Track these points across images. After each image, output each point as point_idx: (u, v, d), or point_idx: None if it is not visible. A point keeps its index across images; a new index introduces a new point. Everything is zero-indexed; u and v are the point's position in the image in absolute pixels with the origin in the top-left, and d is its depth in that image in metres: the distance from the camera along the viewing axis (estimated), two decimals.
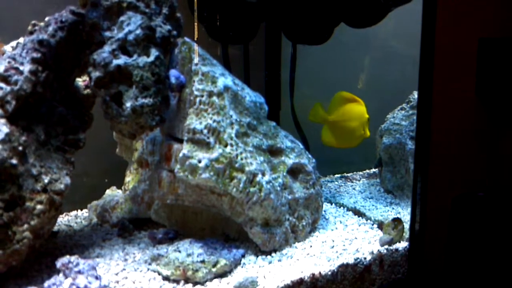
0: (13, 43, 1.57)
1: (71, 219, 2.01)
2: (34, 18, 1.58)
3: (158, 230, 1.76)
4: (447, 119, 1.72)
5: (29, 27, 1.54)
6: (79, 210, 2.11)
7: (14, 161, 1.31)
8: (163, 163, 1.68)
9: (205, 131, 1.58)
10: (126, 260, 1.60)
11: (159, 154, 1.75)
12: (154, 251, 1.59)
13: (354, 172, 2.89)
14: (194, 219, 1.78)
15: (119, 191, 2.05)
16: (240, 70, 2.24)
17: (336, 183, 2.69)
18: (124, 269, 1.53)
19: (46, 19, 1.54)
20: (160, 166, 1.69)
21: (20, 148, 1.34)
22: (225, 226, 1.77)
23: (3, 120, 1.31)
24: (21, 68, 1.35)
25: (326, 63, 2.70)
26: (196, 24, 1.88)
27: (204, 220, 1.77)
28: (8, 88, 1.33)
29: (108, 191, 2.06)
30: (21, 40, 1.55)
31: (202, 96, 1.61)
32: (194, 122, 1.59)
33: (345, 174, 2.86)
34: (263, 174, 1.66)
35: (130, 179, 1.92)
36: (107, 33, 1.57)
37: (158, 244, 1.70)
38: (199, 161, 1.56)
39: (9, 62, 1.35)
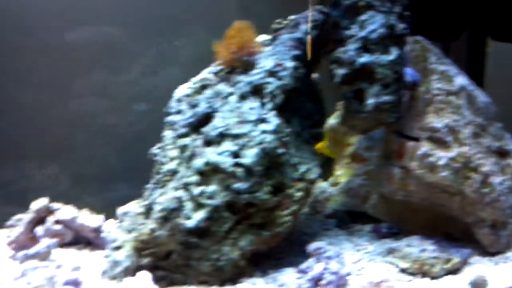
0: (262, 37, 1.69)
1: None
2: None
3: (380, 224, 1.81)
4: None
5: (275, 25, 1.66)
6: None
7: (281, 150, 1.43)
8: (393, 160, 1.72)
9: (444, 130, 1.60)
10: (358, 250, 1.67)
11: (379, 150, 1.80)
12: (386, 244, 1.65)
13: None
14: (413, 216, 1.80)
15: (325, 183, 2.13)
16: None
17: None
18: (360, 259, 1.60)
19: (292, 17, 1.66)
20: (388, 162, 1.74)
21: (286, 138, 1.45)
22: (447, 225, 1.77)
23: (273, 112, 1.43)
24: (285, 64, 1.46)
25: None
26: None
27: (424, 218, 1.79)
28: (277, 82, 1.45)
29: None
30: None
31: (440, 95, 1.63)
32: (433, 120, 1.61)
33: None
34: (495, 176, 1.64)
35: (341, 172, 1.99)
36: (347, 32, 1.65)
37: (382, 238, 1.75)
38: (439, 160, 1.57)
39: (276, 59, 1.47)
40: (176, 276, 1.43)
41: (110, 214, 1.91)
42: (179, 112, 1.61)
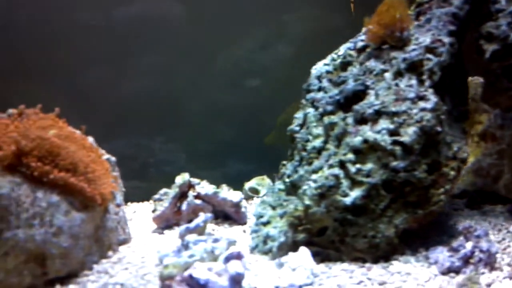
0: None
1: None
2: None
3: None
4: None
5: None
6: None
7: (439, 128, 1.40)
8: None
9: None
10: (499, 230, 1.64)
11: None
12: None
13: None
14: None
15: None
16: None
17: None
18: (504, 239, 1.57)
19: None
20: None
21: (442, 116, 1.42)
22: None
23: (431, 90, 1.41)
24: (443, 40, 1.42)
25: None
26: None
27: None
28: (435, 59, 1.42)
29: None
30: None
31: None
32: None
33: None
34: None
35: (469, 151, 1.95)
36: (496, 6, 1.58)
37: None
38: None
39: (433, 35, 1.43)
40: (330, 252, 1.44)
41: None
42: (320, 89, 1.61)
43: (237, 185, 2.01)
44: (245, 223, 1.76)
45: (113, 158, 1.66)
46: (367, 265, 1.41)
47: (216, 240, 1.45)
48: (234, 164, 2.28)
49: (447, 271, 1.37)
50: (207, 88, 2.31)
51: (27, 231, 1.28)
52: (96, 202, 1.42)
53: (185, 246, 1.43)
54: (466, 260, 1.40)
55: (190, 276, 1.27)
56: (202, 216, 1.49)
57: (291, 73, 2.26)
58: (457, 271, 1.36)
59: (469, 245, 1.42)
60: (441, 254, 1.43)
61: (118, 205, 1.61)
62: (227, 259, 1.38)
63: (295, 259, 1.35)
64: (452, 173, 1.44)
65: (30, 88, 2.15)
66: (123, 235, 1.62)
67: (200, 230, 1.47)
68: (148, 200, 2.13)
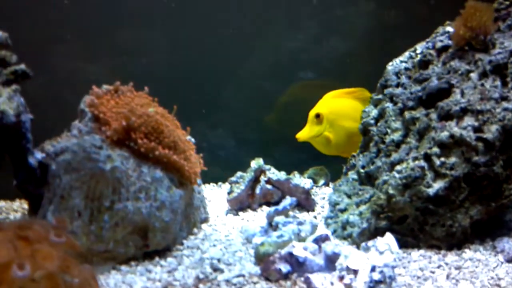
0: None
1: None
2: None
3: None
4: None
5: (495, 5, 1.70)
6: None
7: None
8: None
9: None
10: None
11: None
12: None
13: None
14: None
15: None
16: None
17: None
18: None
19: None
20: None
21: None
22: None
23: None
24: None
25: None
26: None
27: None
28: None
29: None
30: None
31: None
32: None
33: None
34: None
35: None
36: None
37: None
38: None
39: None
40: (408, 239, 1.53)
41: None
42: (398, 85, 1.69)
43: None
44: (313, 210, 1.83)
45: (193, 139, 1.71)
46: (443, 252, 1.51)
47: (300, 223, 1.53)
48: (283, 153, 2.34)
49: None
50: (257, 77, 2.36)
51: (135, 204, 1.34)
52: (191, 180, 1.48)
53: (274, 227, 1.50)
54: None
55: (290, 254, 1.34)
56: (288, 200, 1.56)
57: (343, 68, 2.34)
58: None
59: None
60: (507, 244, 1.54)
61: (199, 185, 1.67)
62: (316, 241, 1.46)
63: (382, 243, 1.43)
64: None
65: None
66: (204, 214, 1.68)
67: (285, 213, 1.54)
68: (208, 182, 2.18)
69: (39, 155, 1.50)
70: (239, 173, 1.84)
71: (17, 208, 1.87)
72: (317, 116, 1.99)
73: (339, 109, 2.03)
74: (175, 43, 2.28)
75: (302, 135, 2.01)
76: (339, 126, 2.02)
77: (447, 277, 1.36)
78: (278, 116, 2.36)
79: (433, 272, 1.37)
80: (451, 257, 1.49)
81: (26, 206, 1.81)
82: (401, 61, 1.74)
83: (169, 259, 1.40)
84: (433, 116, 1.55)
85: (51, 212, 1.32)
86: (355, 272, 1.34)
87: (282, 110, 2.37)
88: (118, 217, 1.31)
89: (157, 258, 1.40)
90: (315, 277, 1.27)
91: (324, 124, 2.00)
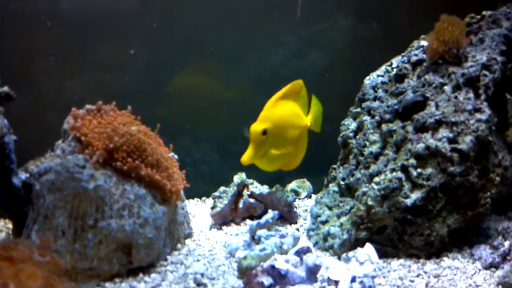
0: None
1: None
2: None
3: None
4: None
5: (467, 19, 1.76)
6: None
7: (490, 138, 1.55)
8: None
9: None
10: None
11: None
12: None
13: None
14: None
15: None
16: None
17: None
18: None
19: (487, 13, 1.74)
20: None
21: (493, 128, 1.57)
22: None
23: (485, 103, 1.55)
24: (497, 58, 1.57)
25: None
26: None
27: None
28: (490, 75, 1.56)
29: None
30: None
31: None
32: None
33: None
34: None
35: None
36: None
37: None
38: None
39: (488, 53, 1.58)
40: (387, 249, 1.56)
41: None
42: (376, 98, 1.74)
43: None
44: (296, 223, 1.86)
45: (176, 156, 1.73)
46: (422, 260, 1.55)
47: (282, 236, 1.56)
48: None
49: (489, 266, 1.52)
50: (237, 91, 2.39)
51: (118, 221, 1.35)
52: (173, 197, 1.50)
53: (257, 240, 1.53)
54: (504, 257, 1.55)
55: (272, 267, 1.37)
56: (270, 213, 1.59)
57: (322, 82, 2.39)
58: (497, 266, 1.52)
59: (507, 244, 1.57)
60: (484, 251, 1.58)
61: (183, 200, 1.69)
62: (298, 253, 1.49)
63: (362, 253, 1.47)
64: (497, 178, 1.59)
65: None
66: (188, 229, 1.70)
67: (268, 226, 1.57)
68: (192, 198, 2.20)
69: (23, 175, 1.51)
70: (222, 188, 1.87)
71: (1, 228, 1.87)
72: (264, 133, 1.66)
73: (280, 119, 1.73)
74: (157, 61, 2.31)
75: (247, 157, 1.65)
76: (284, 139, 1.74)
77: (426, 285, 1.39)
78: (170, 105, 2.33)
79: (412, 281, 1.41)
80: (430, 265, 1.52)
81: (10, 226, 1.82)
82: (378, 75, 1.79)
83: (153, 275, 1.41)
84: (409, 128, 1.60)
85: (35, 232, 1.33)
86: (336, 283, 1.37)
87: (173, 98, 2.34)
88: (102, 235, 1.33)
89: (141, 275, 1.41)
90: None
91: (268, 141, 1.67)
